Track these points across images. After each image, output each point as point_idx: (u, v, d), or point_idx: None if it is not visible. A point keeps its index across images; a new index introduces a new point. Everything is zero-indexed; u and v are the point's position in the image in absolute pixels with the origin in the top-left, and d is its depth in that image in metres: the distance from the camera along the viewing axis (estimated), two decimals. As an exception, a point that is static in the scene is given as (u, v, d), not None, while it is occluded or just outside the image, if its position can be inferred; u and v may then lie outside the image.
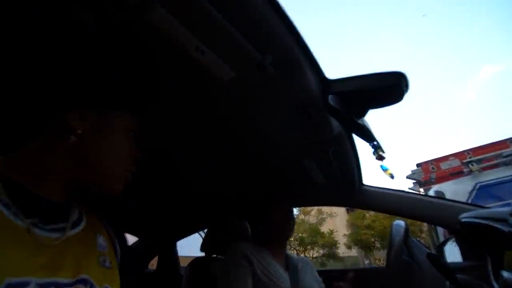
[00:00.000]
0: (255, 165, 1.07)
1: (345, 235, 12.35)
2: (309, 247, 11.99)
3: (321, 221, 12.79)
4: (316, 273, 1.13)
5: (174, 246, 1.89)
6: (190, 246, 1.88)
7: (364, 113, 0.69)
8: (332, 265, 11.30)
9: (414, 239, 1.04)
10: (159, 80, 0.65)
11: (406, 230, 0.96)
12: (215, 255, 1.20)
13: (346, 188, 1.19)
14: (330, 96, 0.69)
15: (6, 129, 0.52)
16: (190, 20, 0.51)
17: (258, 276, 0.92)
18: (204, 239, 1.20)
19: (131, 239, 1.88)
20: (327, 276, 1.19)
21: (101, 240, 0.52)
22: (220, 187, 1.21)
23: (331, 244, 11.84)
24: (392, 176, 0.70)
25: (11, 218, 0.37)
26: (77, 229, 0.48)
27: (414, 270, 0.91)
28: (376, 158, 0.67)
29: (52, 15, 0.50)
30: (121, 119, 0.51)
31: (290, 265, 1.05)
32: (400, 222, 1.02)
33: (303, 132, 0.82)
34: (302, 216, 12.77)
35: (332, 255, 11.83)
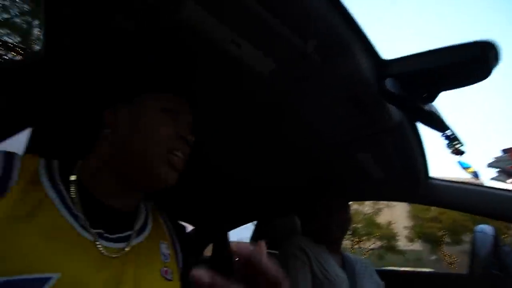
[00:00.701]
0: (306, 160, 1.02)
1: (406, 227, 11.28)
2: (364, 238, 11.36)
3: (377, 211, 11.91)
4: (377, 276, 1.03)
5: (227, 236, 1.99)
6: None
7: (433, 97, 0.56)
8: (390, 258, 10.51)
9: (507, 247, 0.82)
10: (195, 62, 0.61)
11: (495, 238, 0.77)
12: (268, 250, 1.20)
13: (410, 182, 1.03)
14: (387, 80, 0.58)
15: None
16: (222, 13, 0.48)
17: (314, 273, 0.88)
18: (253, 233, 1.20)
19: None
20: (393, 278, 1.08)
21: (164, 248, 0.51)
22: (271, 182, 1.19)
23: (390, 236, 10.97)
24: (476, 175, 0.56)
25: (79, 231, 0.39)
26: (142, 237, 0.49)
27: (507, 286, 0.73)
28: (452, 153, 0.54)
29: (96, 25, 0.52)
30: (154, 101, 0.50)
31: (347, 265, 0.98)
32: (485, 228, 0.83)
33: (357, 123, 0.72)
34: (356, 206, 12.10)
35: (390, 248, 10.98)
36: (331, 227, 0.98)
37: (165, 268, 0.48)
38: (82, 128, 0.52)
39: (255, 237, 1.22)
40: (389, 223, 11.10)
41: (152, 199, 0.60)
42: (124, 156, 0.47)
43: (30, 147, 0.92)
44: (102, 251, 0.40)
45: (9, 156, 0.40)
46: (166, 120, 0.49)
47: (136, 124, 0.48)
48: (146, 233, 0.50)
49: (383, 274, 1.10)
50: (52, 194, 0.40)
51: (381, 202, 11.67)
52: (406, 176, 0.96)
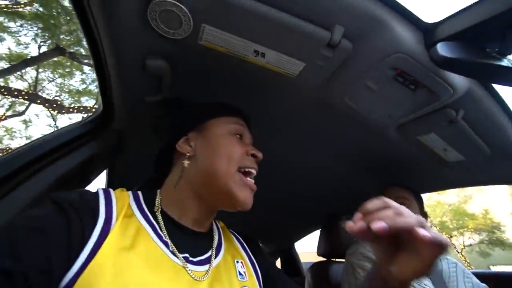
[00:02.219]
0: (360, 156, 0.93)
1: None
2: (455, 233, 9.65)
3: (466, 199, 10.05)
4: (474, 278, 0.83)
5: (293, 248, 1.93)
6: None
7: (509, 48, 0.45)
8: (500, 255, 8.61)
9: None
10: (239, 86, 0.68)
11: None
12: (333, 259, 1.11)
13: (501, 159, 0.84)
14: (439, 45, 0.49)
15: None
16: (239, 26, 0.49)
17: None
18: (318, 243, 1.13)
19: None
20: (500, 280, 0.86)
21: (240, 267, 0.52)
22: (331, 182, 1.12)
23: (490, 227, 9.06)
24: None
25: (170, 257, 0.42)
26: (219, 256, 0.51)
27: None
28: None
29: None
30: (219, 126, 0.55)
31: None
32: None
33: (413, 102, 0.63)
34: (435, 196, 10.44)
35: (496, 242, 9.02)
36: None
37: (245, 287, 0.49)
38: (160, 160, 0.59)
39: (320, 248, 1.14)
40: (486, 212, 9.20)
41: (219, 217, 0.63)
42: (201, 178, 0.50)
43: (111, 182, 1.09)
44: (192, 275, 0.42)
45: (108, 195, 0.44)
46: (234, 140, 0.53)
47: (210, 146, 0.52)
48: (221, 252, 0.52)
49: (485, 277, 0.89)
50: (145, 224, 0.44)
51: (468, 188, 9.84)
52: (497, 152, 0.78)
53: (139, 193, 0.50)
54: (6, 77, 5.41)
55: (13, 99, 5.14)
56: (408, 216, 0.34)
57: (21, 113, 6.01)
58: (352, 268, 0.80)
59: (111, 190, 0.46)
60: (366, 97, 0.63)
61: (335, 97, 0.65)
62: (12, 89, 4.38)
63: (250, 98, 0.72)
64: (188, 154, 0.52)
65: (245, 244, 0.60)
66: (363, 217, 0.35)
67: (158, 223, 0.45)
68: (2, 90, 4.43)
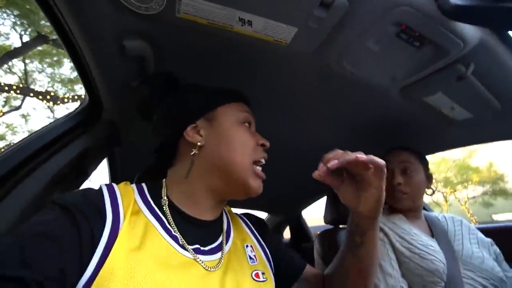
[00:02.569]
0: (363, 121, 0.90)
1: (515, 164, 9.25)
2: (459, 186, 9.85)
3: (470, 153, 10.10)
4: (478, 232, 0.83)
5: (301, 216, 1.99)
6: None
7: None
8: (501, 205, 8.88)
9: None
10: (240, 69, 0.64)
11: None
12: (342, 225, 1.13)
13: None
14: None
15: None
16: None
17: (397, 250, 0.74)
18: (325, 210, 1.14)
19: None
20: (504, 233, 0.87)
21: (249, 251, 0.52)
22: (336, 144, 1.10)
23: (494, 179, 9.21)
24: None
25: (180, 251, 0.41)
26: (230, 242, 0.50)
27: None
28: None
29: None
30: (228, 114, 0.52)
31: (435, 229, 0.81)
32: None
33: (420, 60, 0.58)
34: (440, 153, 10.48)
35: (499, 192, 9.23)
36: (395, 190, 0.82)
37: (256, 271, 0.49)
38: (164, 149, 0.53)
39: (327, 215, 1.15)
40: (490, 165, 9.28)
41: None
42: (217, 170, 0.48)
43: (113, 172, 1.09)
44: (204, 266, 0.42)
45: (112, 192, 0.42)
46: (246, 131, 0.52)
47: (221, 138, 0.49)
48: (231, 238, 0.52)
49: (490, 232, 0.90)
50: (153, 220, 0.42)
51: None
52: (508, 106, 0.74)
53: (144, 186, 0.48)
54: (-5, 72, 5.27)
55: (6, 94, 5.04)
56: (351, 153, 0.43)
57: (17, 108, 5.94)
58: None
59: (114, 185, 0.44)
60: (366, 59, 0.58)
61: (333, 62, 0.59)
62: (2, 84, 4.28)
63: (242, 72, 0.67)
64: (199, 144, 0.48)
65: (251, 226, 0.60)
66: (323, 164, 0.45)
67: (166, 217, 0.44)
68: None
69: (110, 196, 0.41)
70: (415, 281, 0.70)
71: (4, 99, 6.04)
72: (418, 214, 0.84)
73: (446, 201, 9.76)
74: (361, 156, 0.42)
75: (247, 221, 0.61)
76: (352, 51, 0.56)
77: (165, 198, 0.47)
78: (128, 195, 0.43)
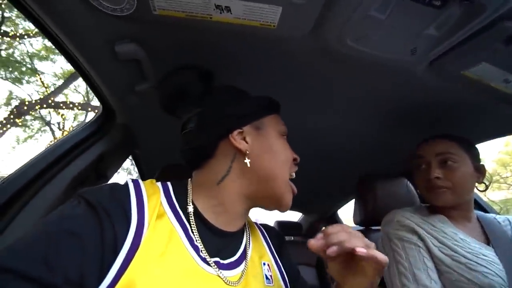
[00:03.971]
0: (388, 108, 0.78)
1: None
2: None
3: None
4: None
5: (336, 215, 1.87)
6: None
7: None
8: None
9: None
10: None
11: None
12: (372, 227, 1.00)
13: None
14: None
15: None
16: None
17: (436, 257, 0.61)
18: (354, 210, 1.03)
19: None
20: None
21: (266, 269, 0.50)
22: (359, 147, 1.00)
23: None
24: None
25: (201, 265, 0.39)
26: (248, 257, 0.48)
27: None
28: None
29: None
30: (273, 125, 0.51)
31: (492, 233, 0.65)
32: None
33: (441, 27, 0.47)
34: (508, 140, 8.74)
35: None
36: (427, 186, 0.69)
37: None
38: (200, 150, 0.49)
39: (356, 215, 1.03)
40: None
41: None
42: (252, 179, 0.47)
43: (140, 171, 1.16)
44: (226, 282, 0.40)
45: (139, 191, 0.40)
46: (286, 144, 0.52)
47: (268, 148, 0.48)
48: (249, 252, 0.49)
49: None
50: (177, 226, 0.40)
51: None
52: None
53: (169, 186, 0.46)
54: (64, 92, 6.23)
55: (74, 111, 5.92)
56: (357, 239, 0.38)
57: (82, 122, 6.96)
58: (388, 239, 0.69)
59: (141, 182, 0.42)
60: (374, 32, 0.49)
61: (335, 41, 0.52)
62: (69, 102, 5.05)
63: (238, 63, 0.63)
64: (247, 151, 0.46)
65: (270, 241, 0.56)
66: (323, 237, 0.39)
67: (190, 223, 0.42)
68: (65, 104, 5.13)
69: (136, 196, 0.39)
70: (459, 298, 0.57)
71: (74, 115, 7.09)
72: (467, 214, 0.69)
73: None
74: (361, 250, 0.36)
75: (265, 234, 0.57)
76: (354, 25, 0.48)
77: (191, 204, 0.44)
78: (154, 196, 0.41)
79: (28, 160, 0.62)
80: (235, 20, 0.47)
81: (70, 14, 0.45)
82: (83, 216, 0.34)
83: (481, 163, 0.70)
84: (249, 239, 0.51)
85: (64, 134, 6.12)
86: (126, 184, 0.41)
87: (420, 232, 0.65)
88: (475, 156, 0.70)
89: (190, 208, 0.43)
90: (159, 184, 0.46)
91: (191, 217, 0.43)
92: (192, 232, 0.41)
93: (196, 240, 0.40)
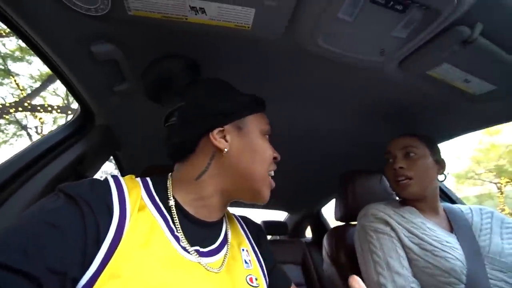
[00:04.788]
0: (363, 105, 0.82)
1: None
2: (517, 175, 8.61)
3: (528, 136, 8.76)
4: None
5: (320, 213, 1.90)
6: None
7: None
8: None
9: None
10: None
11: None
12: (352, 222, 1.04)
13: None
14: None
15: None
16: None
17: (406, 247, 0.66)
18: (335, 206, 1.06)
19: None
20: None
21: (245, 255, 0.52)
22: (339, 144, 1.03)
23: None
24: None
25: (181, 253, 0.40)
26: (228, 244, 0.50)
27: None
28: None
29: None
30: (256, 124, 0.52)
31: (456, 223, 0.70)
32: None
33: (405, 29, 0.50)
34: (488, 139, 9.27)
35: None
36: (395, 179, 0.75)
37: (250, 276, 0.49)
38: (180, 146, 0.49)
39: (336, 211, 1.07)
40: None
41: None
42: (229, 176, 0.48)
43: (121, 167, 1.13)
44: (208, 268, 0.41)
45: (119, 186, 0.41)
46: (267, 143, 0.53)
47: (247, 147, 0.49)
48: (229, 239, 0.51)
49: None
50: (158, 218, 0.41)
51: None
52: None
53: (148, 181, 0.47)
54: (42, 94, 5.96)
55: (53, 114, 5.67)
56: None
57: (63, 126, 6.69)
58: (363, 231, 0.73)
59: (121, 178, 0.43)
60: (342, 33, 0.52)
61: (307, 41, 0.54)
62: (46, 105, 4.84)
63: (214, 66, 0.64)
64: (225, 149, 0.47)
65: (247, 230, 0.58)
66: None
67: (171, 215, 0.43)
68: (43, 108, 4.91)
69: (117, 189, 0.40)
70: (427, 282, 0.61)
71: (53, 119, 6.79)
72: (433, 205, 0.74)
73: (502, 192, 8.65)
74: None
75: (243, 224, 0.60)
76: (323, 26, 0.50)
77: (171, 196, 0.46)
78: (135, 189, 0.42)
79: (3, 161, 0.60)
80: (210, 21, 0.48)
81: (42, 14, 0.45)
82: (62, 208, 0.34)
83: (442, 157, 0.77)
84: (227, 227, 0.53)
85: (42, 139, 5.86)
86: (106, 179, 0.42)
87: (392, 224, 0.70)
88: (435, 150, 0.76)
89: (172, 202, 0.45)
90: (138, 179, 0.47)
91: (173, 210, 0.44)
92: (174, 223, 0.43)
93: (176, 231, 0.42)
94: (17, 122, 6.22)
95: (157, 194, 0.45)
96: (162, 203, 0.44)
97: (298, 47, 0.56)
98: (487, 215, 0.71)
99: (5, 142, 6.70)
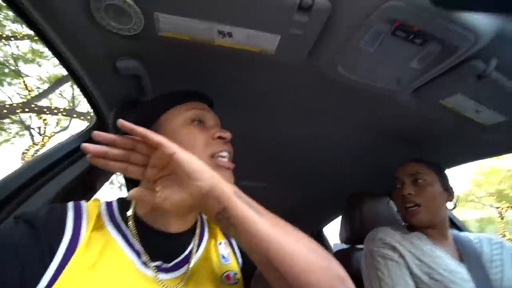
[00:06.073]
0: (375, 131, 0.83)
1: None
2: (518, 201, 8.53)
3: (529, 162, 8.74)
4: None
5: (322, 232, 1.88)
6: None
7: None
8: None
9: None
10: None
11: None
12: (358, 245, 1.02)
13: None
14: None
15: None
16: (193, 7, 0.43)
17: (414, 274, 0.64)
18: (340, 227, 1.05)
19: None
20: None
21: (223, 248, 0.50)
22: (347, 166, 1.04)
23: None
24: None
25: (139, 268, 0.39)
26: (201, 248, 0.48)
27: None
28: None
29: None
30: (173, 118, 0.49)
31: (465, 253, 0.69)
32: None
33: (423, 62, 0.52)
34: (489, 162, 9.25)
35: None
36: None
37: (227, 272, 0.47)
38: None
39: (342, 233, 1.06)
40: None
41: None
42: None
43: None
44: (163, 286, 0.40)
45: (78, 208, 0.42)
46: (193, 129, 0.49)
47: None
48: (204, 240, 0.49)
49: None
50: (115, 235, 0.41)
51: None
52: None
53: (114, 201, 0.48)
54: (49, 97, 6.03)
55: (57, 116, 5.71)
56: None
57: (65, 128, 6.68)
58: (371, 257, 0.72)
59: (82, 202, 0.44)
60: (363, 63, 0.54)
61: (327, 68, 0.56)
62: (53, 107, 4.88)
63: (237, 85, 0.66)
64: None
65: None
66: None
67: (131, 231, 0.43)
68: (47, 109, 4.96)
69: (74, 211, 0.41)
70: (438, 315, 0.59)
71: (56, 121, 6.83)
72: (442, 232, 0.73)
73: (502, 217, 8.54)
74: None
75: None
76: (345, 55, 0.52)
77: (132, 210, 0.45)
78: (93, 211, 0.43)
79: (12, 171, 0.60)
80: (236, 45, 0.50)
81: (75, 30, 0.47)
82: (17, 231, 0.35)
83: (450, 185, 0.77)
84: (204, 229, 0.51)
85: (44, 140, 5.86)
86: (66, 204, 0.42)
87: (401, 250, 0.69)
88: (443, 177, 0.77)
89: (129, 212, 0.44)
90: (102, 201, 0.47)
91: (130, 221, 0.43)
92: (134, 237, 0.42)
93: (136, 245, 0.41)
94: (21, 122, 6.25)
95: (120, 213, 0.45)
96: (124, 221, 0.44)
97: (318, 73, 0.58)
98: (496, 245, 0.71)
99: (6, 141, 6.71)
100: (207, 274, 0.45)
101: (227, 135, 0.50)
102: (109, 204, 0.47)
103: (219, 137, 0.49)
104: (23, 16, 0.46)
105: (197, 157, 0.43)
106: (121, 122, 0.35)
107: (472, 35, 0.44)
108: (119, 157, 0.37)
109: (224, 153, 0.49)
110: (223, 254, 0.49)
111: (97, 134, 0.36)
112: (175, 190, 0.36)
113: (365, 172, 1.08)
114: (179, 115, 0.49)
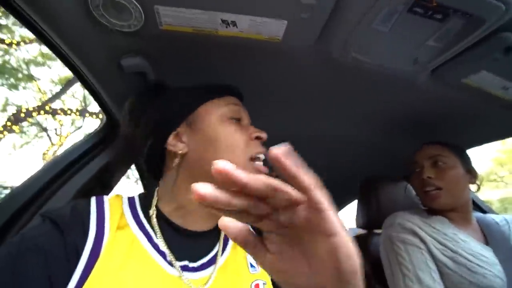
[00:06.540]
0: (391, 115, 0.79)
1: None
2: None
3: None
4: None
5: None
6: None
7: None
8: None
9: None
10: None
11: None
12: (375, 230, 1.00)
13: None
14: None
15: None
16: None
17: (437, 260, 0.62)
18: (356, 213, 1.04)
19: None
20: None
21: (251, 258, 0.48)
22: (361, 151, 1.01)
23: None
24: None
25: (166, 269, 0.39)
26: (227, 251, 0.47)
27: None
28: None
29: None
30: (212, 111, 0.47)
31: (491, 235, 0.66)
32: None
33: (443, 38, 0.48)
34: (510, 139, 8.81)
35: None
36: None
37: (257, 281, 0.45)
38: (150, 163, 0.50)
39: (358, 219, 1.04)
40: None
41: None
42: (201, 177, 0.44)
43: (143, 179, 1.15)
44: (191, 285, 0.39)
45: (100, 205, 0.41)
46: (234, 126, 0.46)
47: (206, 140, 0.45)
48: (230, 244, 0.48)
49: None
50: (139, 235, 0.41)
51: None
52: None
53: (136, 197, 0.47)
54: (62, 98, 6.20)
55: (71, 116, 5.89)
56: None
57: (80, 127, 6.90)
58: (390, 242, 0.70)
59: (105, 198, 0.43)
60: (377, 44, 0.50)
61: (339, 52, 0.53)
62: (66, 109, 5.04)
63: (242, 75, 0.64)
64: (180, 152, 0.45)
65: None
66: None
67: (154, 230, 0.42)
68: (62, 111, 5.12)
69: (97, 209, 0.40)
70: (463, 301, 0.57)
71: (71, 121, 7.05)
72: (466, 216, 0.70)
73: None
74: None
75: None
76: (357, 37, 0.49)
77: (154, 208, 0.44)
78: (117, 209, 0.42)
79: (30, 175, 0.62)
80: (240, 33, 0.48)
81: (75, 29, 0.46)
82: (46, 233, 0.36)
83: (473, 166, 0.73)
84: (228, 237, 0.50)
85: (62, 140, 6.08)
86: (89, 200, 0.42)
87: (422, 234, 0.67)
88: (465, 159, 0.73)
89: (151, 212, 0.43)
90: (125, 197, 0.46)
91: (154, 220, 0.42)
92: (158, 238, 0.41)
93: (161, 246, 0.40)
94: (38, 124, 6.50)
95: (142, 210, 0.44)
96: (147, 219, 0.43)
97: (329, 58, 0.55)
98: None
99: (27, 143, 7.02)
100: (234, 277, 0.44)
101: (264, 135, 0.48)
102: (131, 200, 0.46)
103: (258, 138, 0.48)
104: (24, 20, 0.46)
105: (233, 159, 0.42)
106: (274, 153, 0.20)
107: (503, 4, 0.40)
108: (244, 207, 0.21)
109: (262, 156, 0.47)
110: (252, 263, 0.47)
111: (227, 170, 0.20)
112: (300, 263, 0.23)
113: (381, 156, 1.04)
114: (217, 108, 0.47)
